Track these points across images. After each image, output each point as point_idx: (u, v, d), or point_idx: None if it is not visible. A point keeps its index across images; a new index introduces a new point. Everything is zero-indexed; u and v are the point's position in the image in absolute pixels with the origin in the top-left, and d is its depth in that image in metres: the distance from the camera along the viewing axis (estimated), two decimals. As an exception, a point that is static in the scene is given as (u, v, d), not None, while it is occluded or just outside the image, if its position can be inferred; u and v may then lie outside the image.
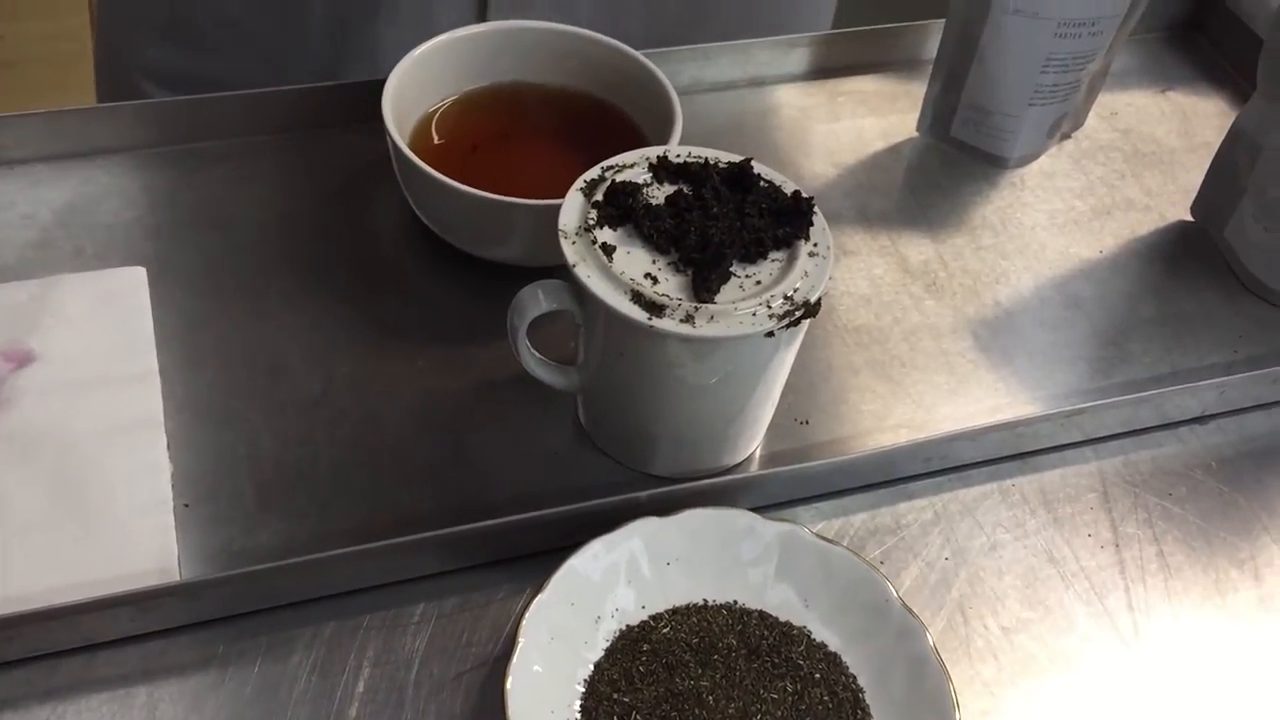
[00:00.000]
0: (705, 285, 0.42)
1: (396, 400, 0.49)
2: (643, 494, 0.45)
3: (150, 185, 0.56)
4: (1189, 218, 0.62)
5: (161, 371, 0.49)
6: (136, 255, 0.53)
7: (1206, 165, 0.60)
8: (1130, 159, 0.65)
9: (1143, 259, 0.60)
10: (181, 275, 0.53)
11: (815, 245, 0.44)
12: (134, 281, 0.52)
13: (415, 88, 0.55)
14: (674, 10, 0.67)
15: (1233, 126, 0.58)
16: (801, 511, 0.48)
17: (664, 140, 0.52)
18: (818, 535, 0.45)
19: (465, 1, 0.65)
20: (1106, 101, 0.67)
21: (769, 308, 0.42)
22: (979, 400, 0.52)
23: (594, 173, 0.46)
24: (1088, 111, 0.66)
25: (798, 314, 0.42)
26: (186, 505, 0.45)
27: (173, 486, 0.45)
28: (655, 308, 0.41)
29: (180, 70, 0.68)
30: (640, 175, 0.46)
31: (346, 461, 0.47)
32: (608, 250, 0.43)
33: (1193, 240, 0.61)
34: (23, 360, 0.48)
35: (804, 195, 0.45)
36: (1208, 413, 0.53)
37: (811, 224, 0.44)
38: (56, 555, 0.43)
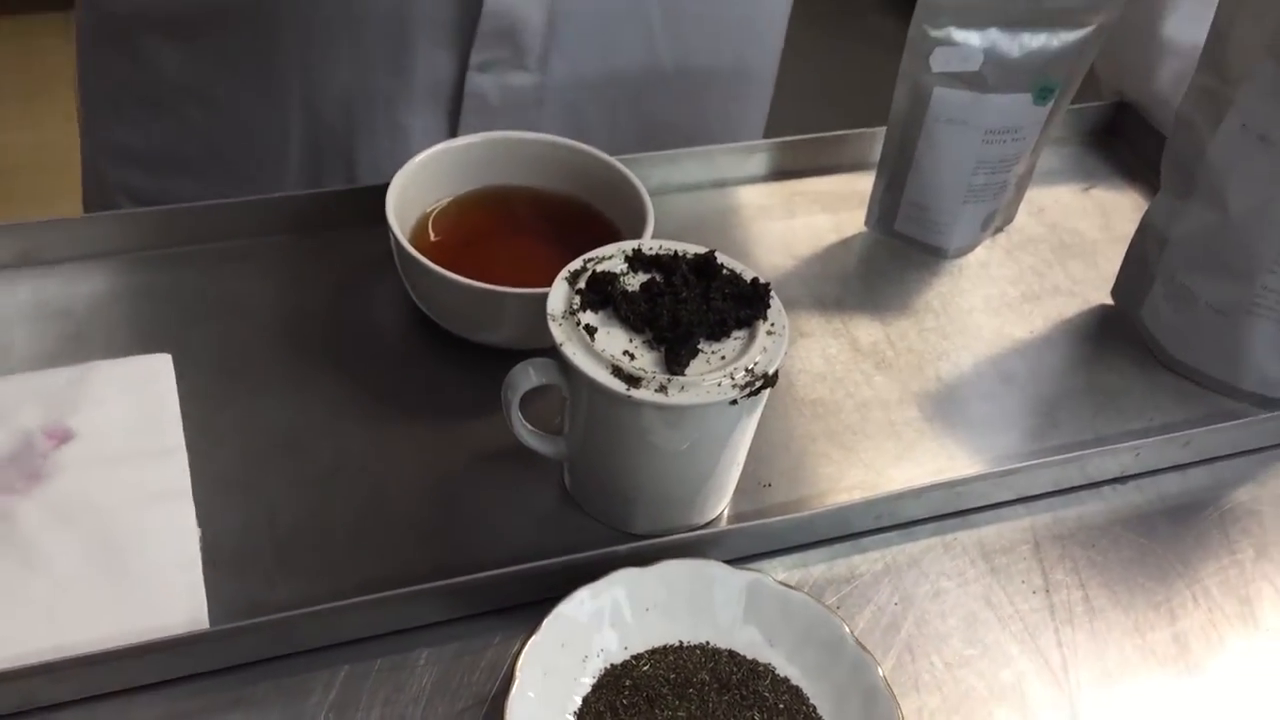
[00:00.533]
0: (676, 360, 0.48)
1: (401, 469, 0.55)
2: (622, 548, 0.50)
3: (174, 280, 0.62)
4: (1109, 301, 0.69)
5: (188, 446, 0.54)
6: (163, 343, 0.58)
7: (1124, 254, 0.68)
8: (1056, 249, 0.72)
9: (1069, 338, 0.66)
10: (204, 361, 0.58)
11: (772, 325, 0.50)
12: (161, 367, 0.57)
13: (415, 191, 0.61)
14: (627, 126, 0.74)
15: (1143, 220, 0.65)
16: (766, 563, 0.53)
17: (638, 235, 0.59)
18: (780, 583, 0.50)
19: (436, 126, 0.71)
20: (1035, 198, 0.75)
21: (732, 379, 0.48)
22: (923, 464, 0.58)
23: (577, 264, 0.52)
24: (1017, 207, 0.73)
25: (758, 384, 0.48)
26: (213, 564, 0.50)
27: (201, 548, 0.50)
28: (633, 380, 0.47)
29: (162, 190, 0.74)
30: (618, 265, 0.52)
31: (356, 523, 0.52)
32: (590, 331, 0.49)
33: (1113, 321, 0.67)
34: (63, 437, 0.54)
35: (762, 281, 0.51)
36: (1126, 473, 0.59)
37: (769, 306, 0.50)
38: (97, 609, 0.48)
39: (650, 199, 0.60)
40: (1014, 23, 0.62)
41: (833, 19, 2.75)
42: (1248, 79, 0.57)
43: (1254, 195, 0.58)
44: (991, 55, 0.63)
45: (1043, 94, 0.64)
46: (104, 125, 0.78)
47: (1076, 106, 0.78)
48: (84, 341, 0.59)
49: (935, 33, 0.62)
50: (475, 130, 0.65)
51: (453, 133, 0.72)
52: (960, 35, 0.62)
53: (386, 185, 0.59)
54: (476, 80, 0.69)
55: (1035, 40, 0.63)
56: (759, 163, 0.74)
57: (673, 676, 0.48)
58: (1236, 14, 0.58)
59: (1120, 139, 0.80)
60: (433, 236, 0.62)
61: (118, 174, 0.79)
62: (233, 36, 0.70)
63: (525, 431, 0.53)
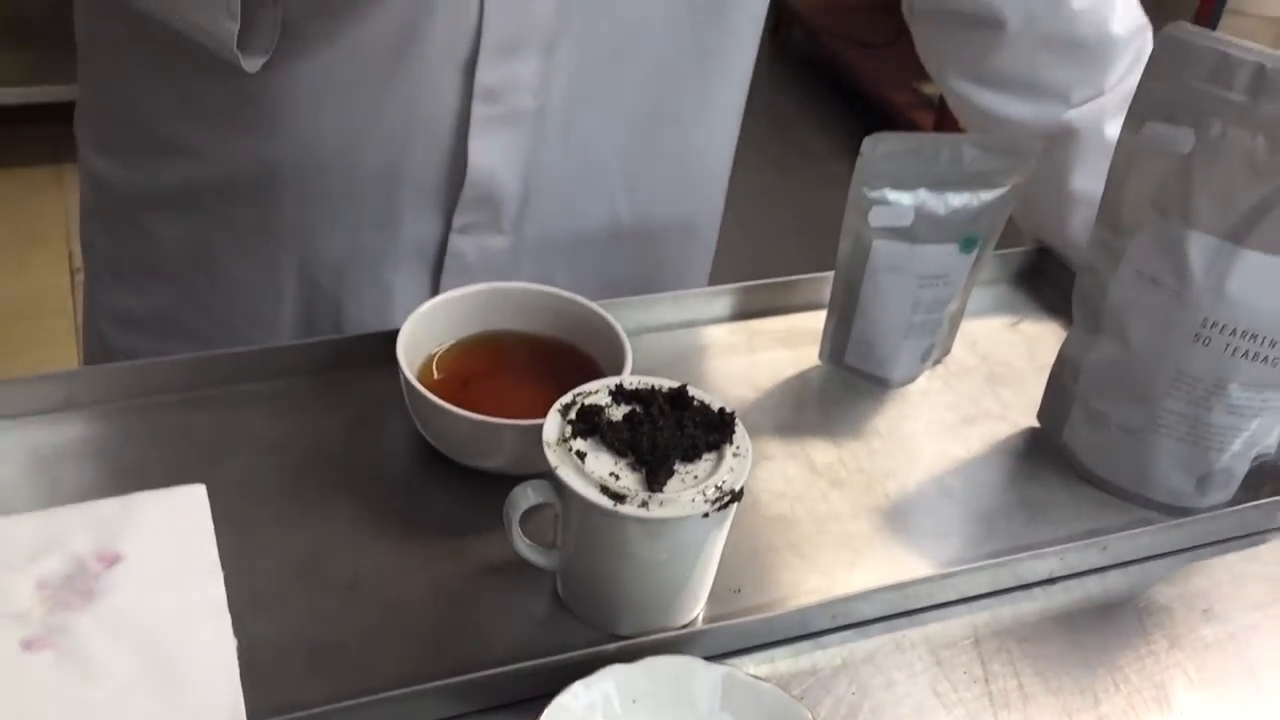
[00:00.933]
0: (656, 480, 0.56)
1: (412, 581, 0.62)
2: (611, 646, 0.57)
3: (205, 420, 0.70)
4: (1036, 424, 0.77)
5: (222, 566, 0.61)
6: (196, 476, 0.65)
7: (1046, 382, 0.76)
8: (988, 378, 0.81)
9: (1001, 457, 0.75)
10: (234, 491, 0.65)
11: (738, 448, 0.58)
12: (196, 496, 0.64)
13: (422, 335, 0.69)
14: (589, 278, 0.81)
15: (1060, 352, 0.74)
16: (738, 659, 0.60)
17: (618, 371, 0.67)
18: (752, 676, 0.57)
19: (420, 284, 0.79)
20: (969, 332, 0.84)
21: (704, 495, 0.55)
22: (874, 570, 0.66)
23: (568, 398, 0.60)
24: (953, 341, 0.82)
25: (726, 499, 0.56)
26: (249, 670, 0.56)
27: (238, 656, 0.57)
28: (618, 497, 0.55)
29: (161, 351, 0.79)
30: (603, 399, 0.60)
31: (374, 631, 0.59)
32: (581, 456, 0.57)
33: (1039, 441, 0.76)
34: (112, 560, 0.60)
35: (728, 411, 0.59)
36: (1054, 575, 0.67)
37: (734, 432, 0.59)
38: (151, 714, 0.54)
39: (628, 339, 0.69)
40: (940, 185, 0.72)
41: (795, 166, 2.91)
42: (1138, 231, 0.67)
43: (1149, 331, 0.67)
44: (921, 213, 0.72)
45: (967, 244, 0.74)
46: (106, 291, 0.85)
47: (1004, 251, 0.88)
48: (125, 475, 0.66)
49: (872, 194, 0.72)
50: (455, 287, 0.72)
51: (434, 290, 0.79)
52: (894, 196, 0.72)
53: (394, 331, 0.68)
54: (458, 242, 0.78)
55: (959, 199, 0.73)
56: (724, 305, 0.83)
57: (658, 759, 0.54)
58: (1125, 175, 0.68)
59: (1043, 279, 0.90)
60: (437, 375, 0.70)
61: (119, 336, 0.85)
62: (235, 208, 0.76)
63: (523, 545, 0.60)
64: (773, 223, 2.51)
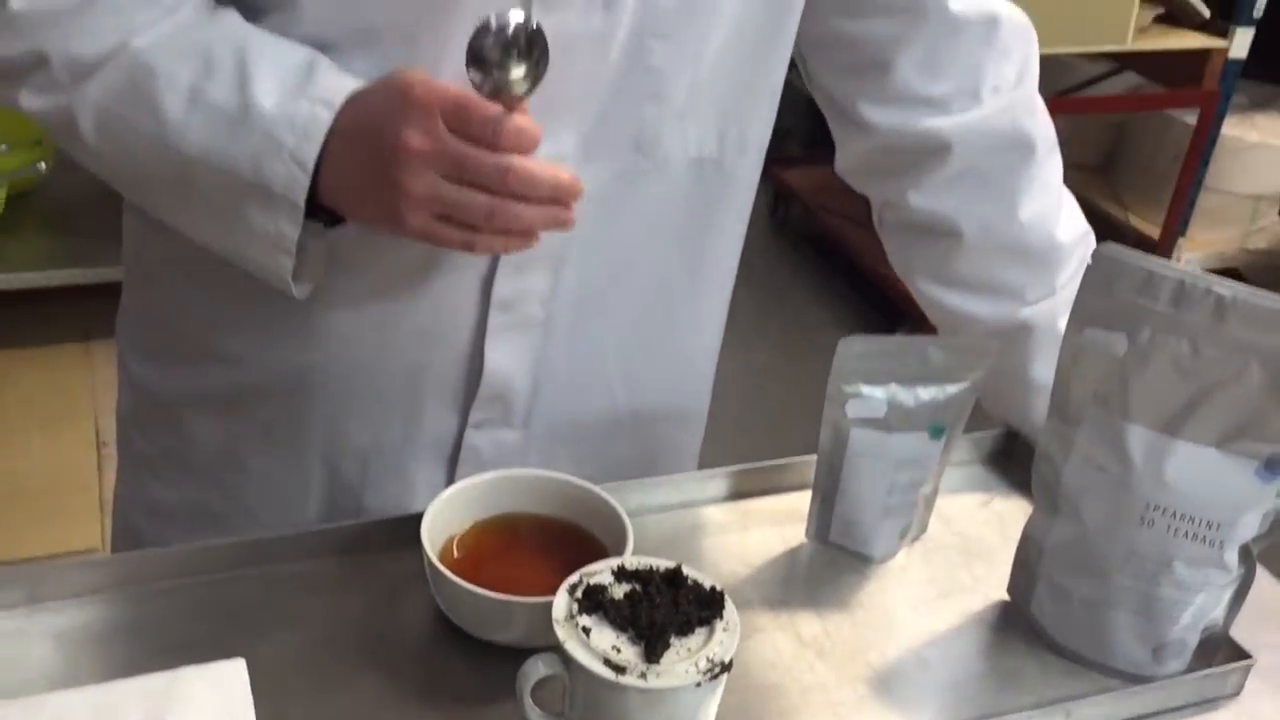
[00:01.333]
0: (653, 653, 0.62)
1: (432, 749, 0.68)
2: (615, 808, 0.63)
3: (244, 598, 0.76)
4: (1006, 597, 0.83)
5: (260, 733, 0.67)
6: (235, 650, 0.72)
7: (1015, 557, 0.83)
8: (962, 554, 0.88)
9: (974, 628, 0.81)
10: (269, 664, 0.71)
11: (727, 623, 0.65)
12: (236, 670, 0.71)
13: (443, 518, 0.76)
14: (591, 465, 0.87)
15: (1024, 531, 0.81)
16: (730, 821, 0.66)
17: (620, 551, 0.74)
18: (741, 836, 0.62)
19: (436, 476, 0.87)
20: (945, 510, 0.91)
21: (697, 667, 0.62)
22: (857, 736, 0.72)
23: (574, 578, 0.67)
24: (928, 519, 0.89)
25: (717, 670, 0.62)
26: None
27: (273, 817, 0.62)
28: (619, 669, 0.61)
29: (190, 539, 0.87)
30: (606, 579, 0.67)
31: (398, 795, 0.65)
32: (586, 631, 0.63)
33: (1010, 613, 0.82)
34: (161, 728, 0.66)
35: (718, 589, 0.66)
36: (1023, 739, 0.72)
37: (724, 608, 0.65)
38: None
39: (629, 520, 0.76)
40: (909, 380, 0.81)
41: (794, 338, 3.01)
42: (1084, 421, 0.75)
43: (1101, 513, 0.75)
44: (893, 405, 0.80)
45: (936, 432, 0.82)
46: (139, 484, 0.92)
47: (977, 434, 0.96)
48: (172, 653, 0.72)
49: (848, 388, 0.80)
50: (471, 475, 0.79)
51: (450, 481, 0.86)
52: (867, 390, 0.80)
53: (417, 515, 0.75)
54: (473, 436, 0.86)
55: (926, 393, 0.81)
56: (718, 487, 0.91)
57: None
58: (1070, 372, 0.76)
59: (1013, 460, 0.97)
60: (456, 555, 0.77)
61: (149, 524, 0.91)
62: (268, 409, 0.84)
63: (535, 714, 0.66)
64: (774, 393, 2.60)
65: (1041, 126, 0.89)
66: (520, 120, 0.66)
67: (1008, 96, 0.87)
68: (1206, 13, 2.69)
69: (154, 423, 0.89)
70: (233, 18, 0.72)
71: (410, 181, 0.66)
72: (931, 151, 0.87)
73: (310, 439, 0.84)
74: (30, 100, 0.71)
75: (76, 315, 2.39)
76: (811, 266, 3.43)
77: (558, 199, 0.68)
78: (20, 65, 0.70)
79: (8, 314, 2.49)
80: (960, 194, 0.88)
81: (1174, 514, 0.72)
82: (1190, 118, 2.86)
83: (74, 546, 1.88)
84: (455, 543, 0.78)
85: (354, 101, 0.69)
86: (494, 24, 0.65)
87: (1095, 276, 0.73)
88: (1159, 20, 2.70)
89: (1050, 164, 0.90)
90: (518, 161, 0.66)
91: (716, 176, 0.83)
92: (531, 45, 0.66)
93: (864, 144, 0.90)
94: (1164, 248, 2.94)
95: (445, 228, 0.69)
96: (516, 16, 0.66)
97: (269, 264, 0.72)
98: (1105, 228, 3.08)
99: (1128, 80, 2.94)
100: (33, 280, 2.41)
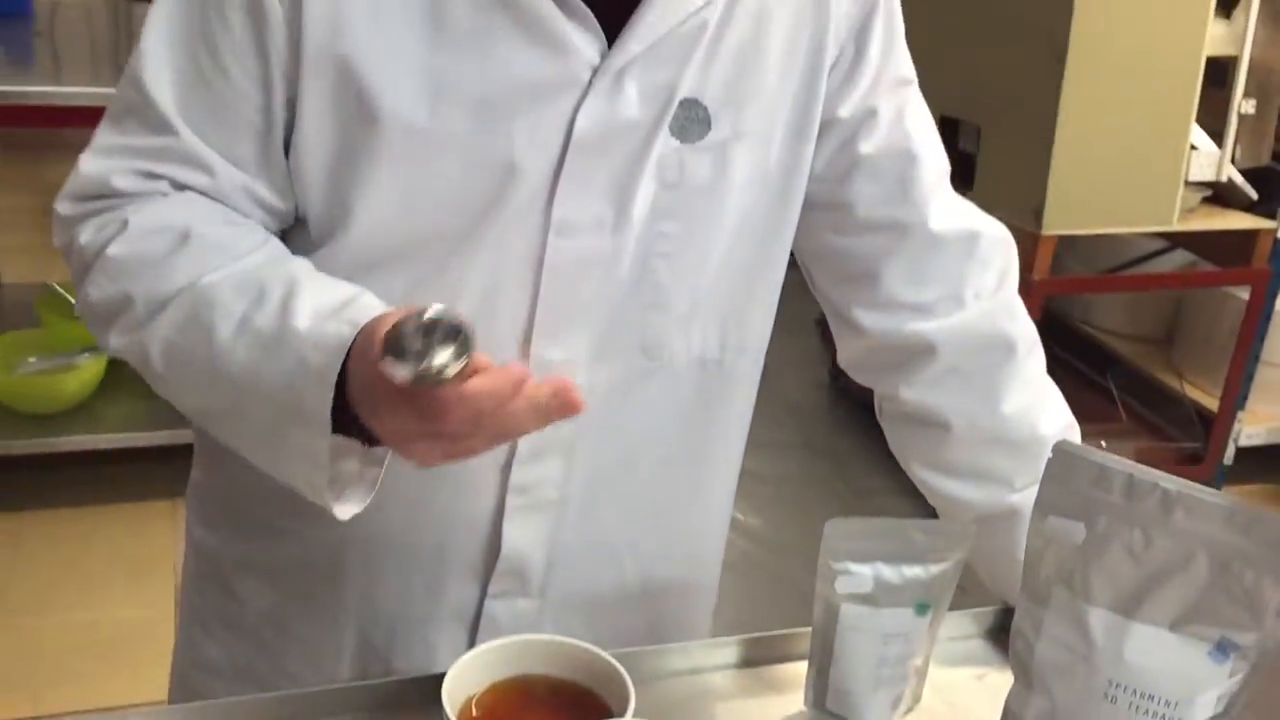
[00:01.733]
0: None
1: None
2: None
3: (282, 746, 0.85)
4: (993, 767, 0.88)
5: None
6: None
7: (1001, 730, 0.88)
8: (954, 726, 0.93)
9: (959, 798, 0.86)
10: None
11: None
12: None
13: (463, 679, 0.84)
14: (602, 631, 0.93)
15: (1005, 703, 0.86)
16: None
17: (623, 713, 0.81)
18: None
19: (457, 642, 0.94)
20: (941, 684, 0.96)
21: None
22: None
23: (574, 737, 0.74)
24: (921, 691, 0.94)
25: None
26: None
27: None
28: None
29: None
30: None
31: None
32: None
33: (994, 784, 0.87)
34: None
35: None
36: None
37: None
38: None
39: (632, 684, 0.82)
40: (894, 559, 0.87)
41: (854, 504, 3.05)
42: (1051, 602, 0.81)
43: (1069, 689, 0.80)
44: (879, 582, 0.87)
45: (921, 609, 0.88)
46: (196, 641, 1.00)
47: (976, 610, 1.01)
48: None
49: (837, 566, 0.87)
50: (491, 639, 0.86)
51: (470, 646, 0.92)
52: (855, 568, 0.87)
53: (440, 676, 0.83)
54: (492, 606, 0.94)
55: (911, 571, 0.87)
56: (725, 655, 0.97)
57: None
58: (1038, 557, 0.82)
59: (1006, 635, 1.02)
60: (475, 713, 0.84)
61: (199, 680, 0.99)
62: (310, 577, 0.93)
63: None
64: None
65: (1022, 328, 0.97)
66: (462, 391, 0.65)
67: (989, 302, 0.96)
68: (1254, 195, 2.76)
69: (211, 584, 0.98)
70: (297, 260, 0.79)
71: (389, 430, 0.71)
72: (919, 352, 0.96)
73: (345, 608, 0.93)
74: (116, 340, 0.79)
75: (164, 474, 2.54)
76: (872, 434, 3.48)
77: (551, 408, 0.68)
78: (111, 308, 0.78)
79: (104, 471, 2.65)
80: (947, 390, 0.96)
81: (1135, 692, 0.77)
82: (1244, 293, 2.90)
83: (145, 698, 1.98)
84: (474, 702, 0.85)
85: (380, 321, 0.70)
86: (412, 321, 0.63)
87: (1055, 470, 0.81)
88: (1207, 201, 2.78)
89: (1031, 362, 0.98)
90: (485, 407, 0.66)
91: (718, 374, 0.92)
92: (450, 336, 0.64)
93: (859, 343, 0.99)
94: (1223, 421, 2.95)
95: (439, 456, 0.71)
96: (435, 310, 0.64)
97: (312, 481, 0.75)
98: (1163, 401, 3.14)
99: (1182, 257, 3.01)
100: (127, 440, 2.59)
